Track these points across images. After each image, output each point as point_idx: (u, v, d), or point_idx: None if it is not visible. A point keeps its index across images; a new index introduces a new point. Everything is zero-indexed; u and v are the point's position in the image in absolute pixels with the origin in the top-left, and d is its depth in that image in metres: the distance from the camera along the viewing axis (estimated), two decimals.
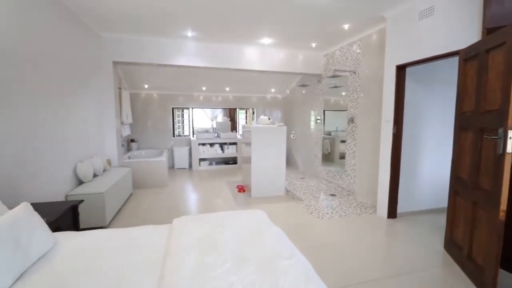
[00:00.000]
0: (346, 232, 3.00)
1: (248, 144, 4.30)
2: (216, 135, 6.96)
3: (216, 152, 6.81)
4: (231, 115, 7.52)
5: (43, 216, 1.84)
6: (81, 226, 2.43)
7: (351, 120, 4.40)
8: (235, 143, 6.93)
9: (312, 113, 5.98)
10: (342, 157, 5.04)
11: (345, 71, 4.34)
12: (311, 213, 3.57)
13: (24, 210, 1.26)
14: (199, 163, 6.64)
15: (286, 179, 5.10)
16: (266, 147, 4.17)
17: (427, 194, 3.57)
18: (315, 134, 5.78)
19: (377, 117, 3.81)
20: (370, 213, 3.56)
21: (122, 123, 4.94)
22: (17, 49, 2.20)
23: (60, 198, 2.82)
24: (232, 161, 7.04)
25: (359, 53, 4.20)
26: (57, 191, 2.77)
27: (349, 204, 3.92)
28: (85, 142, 3.52)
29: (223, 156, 6.89)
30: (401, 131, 3.29)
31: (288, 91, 7.24)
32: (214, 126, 7.24)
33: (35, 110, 2.43)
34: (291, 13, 3.31)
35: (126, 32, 4.05)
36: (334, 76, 4.48)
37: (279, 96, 7.51)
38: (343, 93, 4.94)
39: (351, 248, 2.63)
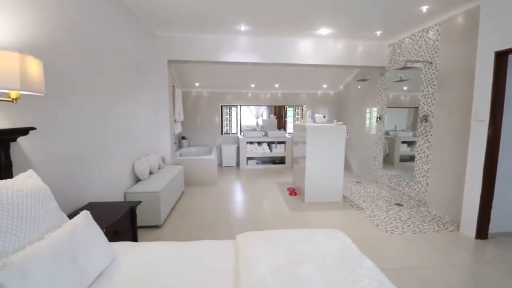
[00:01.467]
0: (427, 253, 2.52)
1: (302, 144, 3.98)
2: (263, 133, 6.75)
3: (264, 151, 6.61)
4: (278, 112, 7.24)
5: (103, 218, 1.80)
6: (137, 225, 2.40)
7: (424, 119, 3.78)
8: (283, 142, 6.65)
9: (368, 110, 5.41)
10: (404, 159, 4.44)
11: (419, 61, 3.73)
12: (377, 225, 3.13)
13: (84, 220, 1.17)
14: (247, 162, 6.52)
15: None
16: (322, 147, 3.80)
17: None
18: (374, 134, 5.21)
19: (461, 115, 3.19)
20: (452, 231, 2.98)
21: (174, 120, 5.01)
22: (82, 49, 2.22)
23: (119, 195, 2.86)
24: (280, 160, 6.78)
25: (437, 40, 3.57)
26: (116, 188, 2.81)
27: (421, 217, 3.36)
28: (142, 140, 3.58)
29: (270, 155, 6.66)
30: (499, 133, 2.66)
31: (341, 87, 6.69)
32: (260, 123, 7.05)
33: (98, 109, 2.46)
34: None
35: (180, 31, 4.04)
36: (404, 68, 3.90)
37: (331, 92, 7.00)
38: (405, 88, 4.33)
39: (437, 274, 2.16)
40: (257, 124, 7.09)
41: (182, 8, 3.19)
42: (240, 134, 6.95)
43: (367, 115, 5.47)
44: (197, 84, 6.32)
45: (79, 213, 1.24)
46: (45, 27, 1.78)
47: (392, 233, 2.92)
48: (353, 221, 3.29)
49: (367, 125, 5.46)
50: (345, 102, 6.55)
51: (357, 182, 5.12)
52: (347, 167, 6.32)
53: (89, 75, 2.31)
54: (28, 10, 1.64)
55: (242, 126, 7.07)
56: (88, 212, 1.25)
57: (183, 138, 6.50)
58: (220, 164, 6.72)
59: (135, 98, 3.35)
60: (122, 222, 2.01)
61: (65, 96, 1.99)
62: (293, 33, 4.20)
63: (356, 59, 4.64)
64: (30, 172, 1.24)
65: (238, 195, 4.44)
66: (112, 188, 2.71)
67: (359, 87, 5.76)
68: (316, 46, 4.49)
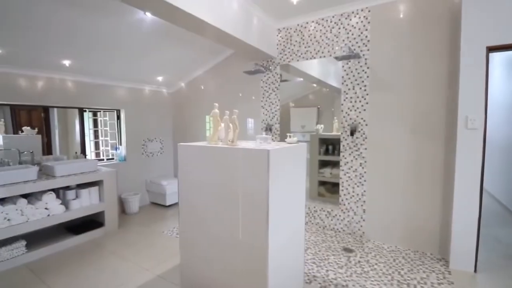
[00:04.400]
0: None
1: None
2: None
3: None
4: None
5: None
6: None
7: (352, 131, 2.93)
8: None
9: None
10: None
11: (347, 56, 2.80)
12: None
13: None
14: None
15: None
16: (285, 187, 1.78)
17: None
18: None
19: (408, 122, 2.64)
20: (445, 272, 2.29)
21: None
22: None
23: None
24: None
25: (366, 29, 2.83)
26: None
27: (387, 261, 2.44)
28: None
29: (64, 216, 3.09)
30: (484, 140, 2.27)
31: (182, 84, 4.55)
32: None
33: None
34: None
35: None
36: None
37: (165, 91, 4.62)
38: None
39: None
40: None
41: None
42: None
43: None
44: None
45: None
46: None
47: None
48: None
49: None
50: (184, 106, 4.54)
51: None
52: None
53: None
54: None
55: None
56: None
57: None
58: None
59: None
60: None
61: None
62: None
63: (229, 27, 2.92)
64: None
65: None
66: None
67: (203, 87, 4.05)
68: None
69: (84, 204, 3.04)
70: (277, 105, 3.53)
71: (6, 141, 3.02)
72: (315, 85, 3.68)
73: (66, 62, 3.06)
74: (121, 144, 4.08)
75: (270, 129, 3.59)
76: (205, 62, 4.06)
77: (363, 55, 2.85)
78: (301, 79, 3.68)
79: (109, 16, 2.49)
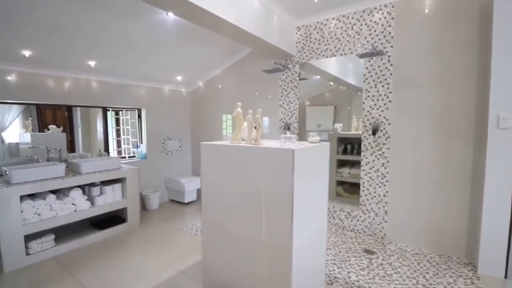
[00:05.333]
0: None
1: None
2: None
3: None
4: (67, 118, 3.79)
5: None
6: None
7: (375, 130, 2.87)
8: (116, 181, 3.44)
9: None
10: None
11: (369, 53, 2.74)
12: None
13: None
14: None
15: None
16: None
17: None
18: None
19: (431, 124, 2.54)
20: (473, 277, 2.20)
21: None
22: None
23: None
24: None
25: (389, 25, 2.75)
26: None
27: (410, 264, 2.37)
28: None
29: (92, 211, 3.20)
30: None
31: (200, 83, 4.61)
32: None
33: None
34: None
35: None
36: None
37: (183, 90, 4.69)
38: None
39: None
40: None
41: None
42: None
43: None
44: None
45: None
46: None
47: None
48: None
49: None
50: (201, 106, 4.59)
51: None
52: None
53: None
54: None
55: None
56: None
57: None
58: None
59: None
60: None
61: None
62: None
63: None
64: None
65: None
66: None
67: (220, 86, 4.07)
68: None
69: (108, 200, 3.14)
70: (296, 104, 3.50)
71: (33, 139, 3.17)
72: (332, 83, 3.62)
73: (92, 63, 3.16)
74: (142, 142, 4.18)
75: (288, 128, 3.57)
76: (223, 61, 4.09)
77: (386, 52, 2.77)
78: (318, 77, 3.63)
79: (133, 17, 2.54)
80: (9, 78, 2.84)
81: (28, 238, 2.56)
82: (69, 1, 2.17)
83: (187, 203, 4.28)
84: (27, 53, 2.69)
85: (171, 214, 3.85)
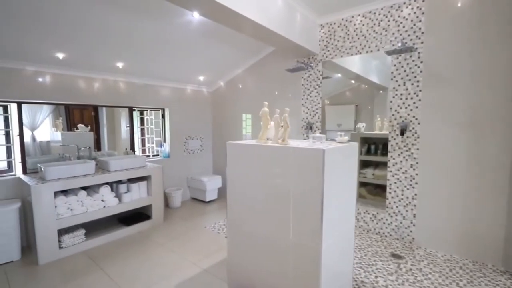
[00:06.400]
0: None
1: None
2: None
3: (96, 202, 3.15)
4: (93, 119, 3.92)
5: None
6: None
7: (403, 130, 2.76)
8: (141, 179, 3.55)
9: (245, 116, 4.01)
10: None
11: (397, 51, 2.64)
12: None
13: None
14: None
15: None
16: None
17: None
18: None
19: (464, 123, 2.40)
20: (509, 284, 2.06)
21: None
22: None
23: None
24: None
25: (419, 21, 2.64)
26: None
27: (445, 273, 2.25)
28: None
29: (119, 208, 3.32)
30: None
31: (222, 83, 4.65)
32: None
33: None
34: None
35: None
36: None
37: (205, 90, 4.76)
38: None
39: None
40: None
41: None
42: None
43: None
44: None
45: None
46: None
47: None
48: None
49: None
50: (221, 104, 4.63)
51: None
52: None
53: None
54: None
55: None
56: None
57: None
58: None
59: None
60: None
61: None
62: None
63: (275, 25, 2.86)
64: None
65: None
66: None
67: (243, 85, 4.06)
68: None
69: (134, 197, 3.24)
70: (319, 103, 3.44)
71: (64, 138, 3.32)
72: (353, 81, 3.53)
73: (119, 64, 3.27)
74: (165, 141, 4.28)
75: (311, 128, 3.52)
76: (244, 61, 4.09)
77: (416, 48, 2.66)
78: (339, 75, 3.54)
79: (159, 20, 2.60)
80: (41, 79, 2.99)
81: (61, 232, 2.69)
82: (97, 3, 2.25)
83: (208, 202, 4.33)
84: (60, 55, 2.82)
85: (193, 212, 3.91)
